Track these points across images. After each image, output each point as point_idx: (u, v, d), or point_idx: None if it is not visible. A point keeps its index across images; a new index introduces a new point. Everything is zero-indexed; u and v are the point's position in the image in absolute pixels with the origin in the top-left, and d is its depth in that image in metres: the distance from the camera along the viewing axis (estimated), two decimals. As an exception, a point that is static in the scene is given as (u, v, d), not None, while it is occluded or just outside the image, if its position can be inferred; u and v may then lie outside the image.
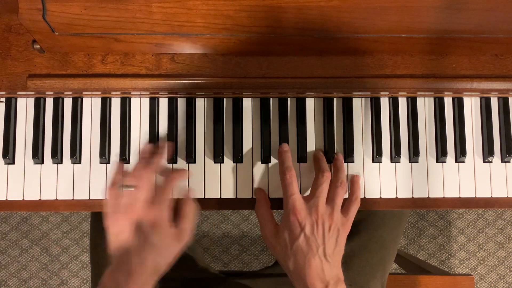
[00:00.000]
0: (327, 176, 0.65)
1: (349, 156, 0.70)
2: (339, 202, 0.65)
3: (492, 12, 0.59)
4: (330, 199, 0.65)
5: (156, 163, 0.66)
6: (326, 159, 0.69)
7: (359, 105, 0.72)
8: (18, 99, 0.71)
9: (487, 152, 0.71)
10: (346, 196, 0.69)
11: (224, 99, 0.71)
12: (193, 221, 0.66)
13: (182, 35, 0.62)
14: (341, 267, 0.64)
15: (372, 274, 0.80)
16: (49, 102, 0.71)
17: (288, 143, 0.71)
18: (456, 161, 0.72)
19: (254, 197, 0.70)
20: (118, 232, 0.62)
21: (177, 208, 0.66)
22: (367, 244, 0.80)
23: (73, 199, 0.70)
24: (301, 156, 0.70)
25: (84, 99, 0.71)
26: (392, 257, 0.85)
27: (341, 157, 0.70)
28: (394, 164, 0.71)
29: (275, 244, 0.65)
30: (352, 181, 0.69)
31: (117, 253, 0.62)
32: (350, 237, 0.80)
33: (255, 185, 0.70)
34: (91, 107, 0.71)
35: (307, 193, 0.69)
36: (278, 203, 0.69)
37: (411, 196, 0.71)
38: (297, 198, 0.64)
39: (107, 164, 0.70)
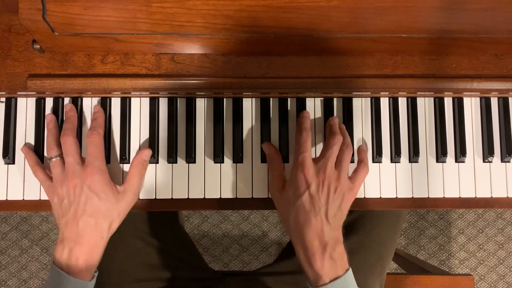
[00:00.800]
0: (338, 139, 0.65)
1: (349, 156, 0.70)
2: (346, 165, 0.65)
3: (492, 12, 0.59)
4: (337, 163, 0.65)
5: (70, 128, 0.67)
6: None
7: (359, 105, 0.72)
8: (18, 99, 0.71)
9: (487, 152, 0.71)
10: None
11: (224, 99, 0.71)
12: (135, 181, 0.67)
13: (182, 35, 0.62)
14: None
15: (370, 272, 0.80)
16: (49, 102, 0.71)
17: (288, 143, 0.71)
18: (456, 161, 0.72)
19: (254, 197, 0.70)
20: (60, 201, 0.64)
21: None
22: (365, 242, 0.80)
23: (73, 199, 0.70)
24: (301, 156, 0.70)
25: (84, 99, 0.71)
26: (390, 255, 0.85)
27: (343, 126, 0.70)
28: (394, 164, 0.71)
29: (279, 199, 0.66)
30: (359, 150, 0.70)
31: (63, 221, 0.63)
32: (348, 235, 0.80)
33: (255, 185, 0.70)
34: (91, 107, 0.71)
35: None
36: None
37: (411, 196, 0.71)
38: (308, 156, 0.64)
39: (107, 164, 0.70)
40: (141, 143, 0.71)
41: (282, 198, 0.65)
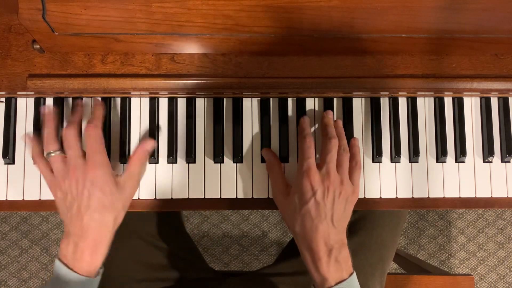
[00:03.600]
0: (335, 143, 0.66)
1: (349, 156, 0.70)
2: (346, 168, 0.66)
3: (492, 12, 0.59)
4: (338, 167, 0.66)
5: (74, 120, 0.66)
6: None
7: (359, 105, 0.72)
8: (18, 99, 0.71)
9: (487, 152, 0.71)
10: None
11: (224, 99, 0.71)
12: (136, 169, 0.67)
13: (182, 35, 0.62)
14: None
15: (371, 273, 0.80)
16: (49, 102, 0.71)
17: (288, 143, 0.71)
18: (456, 161, 0.72)
19: (254, 197, 0.70)
20: (63, 197, 0.63)
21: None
22: (366, 243, 0.81)
23: (73, 199, 0.70)
24: (301, 156, 0.70)
25: (84, 99, 0.71)
26: (391, 256, 0.85)
27: (340, 123, 0.70)
28: (394, 164, 0.71)
29: (284, 204, 0.66)
30: (351, 145, 0.69)
31: (68, 217, 0.62)
32: (349, 236, 0.80)
33: (255, 185, 0.70)
34: (91, 107, 0.71)
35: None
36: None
37: (411, 196, 0.71)
38: (313, 163, 0.64)
39: (107, 164, 0.70)
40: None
41: (287, 203, 0.65)
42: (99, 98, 0.70)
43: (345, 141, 0.68)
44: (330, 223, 0.62)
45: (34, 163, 0.67)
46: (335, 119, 0.71)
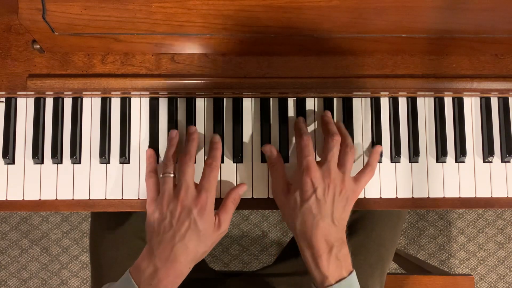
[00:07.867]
0: (337, 140, 0.66)
1: (349, 156, 0.70)
2: (349, 167, 0.66)
3: (492, 12, 0.59)
4: (340, 164, 0.65)
5: (193, 150, 0.67)
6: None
7: (359, 105, 0.72)
8: (18, 99, 0.71)
9: (487, 152, 0.71)
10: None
11: (224, 99, 0.71)
12: (231, 214, 0.67)
13: (182, 35, 0.62)
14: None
15: (370, 273, 0.80)
16: (49, 102, 0.71)
17: (288, 143, 0.71)
18: (456, 161, 0.72)
19: (254, 197, 0.70)
20: (161, 219, 0.62)
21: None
22: (365, 243, 0.81)
23: (73, 199, 0.70)
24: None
25: (84, 99, 0.71)
26: (390, 256, 0.85)
27: (342, 124, 0.70)
28: (394, 164, 0.71)
29: (284, 202, 0.66)
30: (373, 152, 0.69)
31: (157, 238, 0.62)
32: (348, 236, 0.80)
33: (255, 185, 0.70)
34: (91, 107, 0.71)
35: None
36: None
37: (411, 196, 0.71)
38: (312, 160, 0.64)
39: (107, 164, 0.70)
40: (141, 143, 0.71)
41: (288, 201, 0.65)
42: (217, 135, 0.69)
43: (349, 140, 0.68)
44: (331, 221, 0.62)
45: (146, 178, 0.67)
46: (335, 120, 0.71)
